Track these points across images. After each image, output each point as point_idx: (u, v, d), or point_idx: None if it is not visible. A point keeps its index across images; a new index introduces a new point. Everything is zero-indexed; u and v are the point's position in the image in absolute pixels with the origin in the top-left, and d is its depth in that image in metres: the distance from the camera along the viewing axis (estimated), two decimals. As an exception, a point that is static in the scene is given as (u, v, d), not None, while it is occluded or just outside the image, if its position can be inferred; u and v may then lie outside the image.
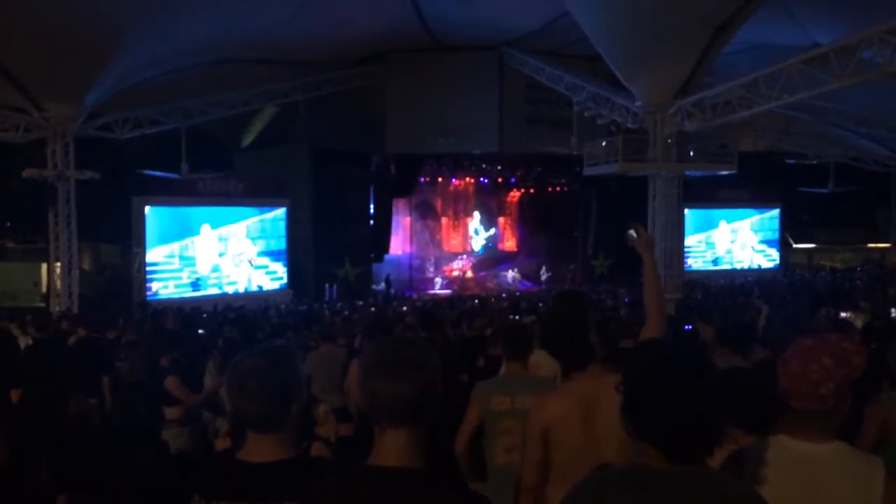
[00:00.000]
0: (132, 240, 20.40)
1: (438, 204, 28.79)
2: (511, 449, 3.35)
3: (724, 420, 1.63)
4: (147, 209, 20.20)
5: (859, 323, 8.49)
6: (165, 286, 20.64)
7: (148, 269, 20.16)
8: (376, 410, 1.63)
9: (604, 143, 16.57)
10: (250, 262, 22.53)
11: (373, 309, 17.89)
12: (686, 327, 8.65)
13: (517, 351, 3.78)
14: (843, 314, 11.24)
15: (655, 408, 1.55)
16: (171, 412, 5.23)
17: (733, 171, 16.69)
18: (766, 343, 6.47)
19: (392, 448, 1.62)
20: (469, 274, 28.28)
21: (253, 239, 22.88)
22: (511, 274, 28.31)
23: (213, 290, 21.64)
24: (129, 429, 5.05)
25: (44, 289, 24.74)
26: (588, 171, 17.43)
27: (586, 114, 17.83)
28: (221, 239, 22.07)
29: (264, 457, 1.84)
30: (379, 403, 1.61)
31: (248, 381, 1.83)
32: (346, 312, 16.12)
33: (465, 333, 7.10)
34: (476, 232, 29.62)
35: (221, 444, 4.41)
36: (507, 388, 3.61)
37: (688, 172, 16.78)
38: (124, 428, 5.11)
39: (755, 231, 29.03)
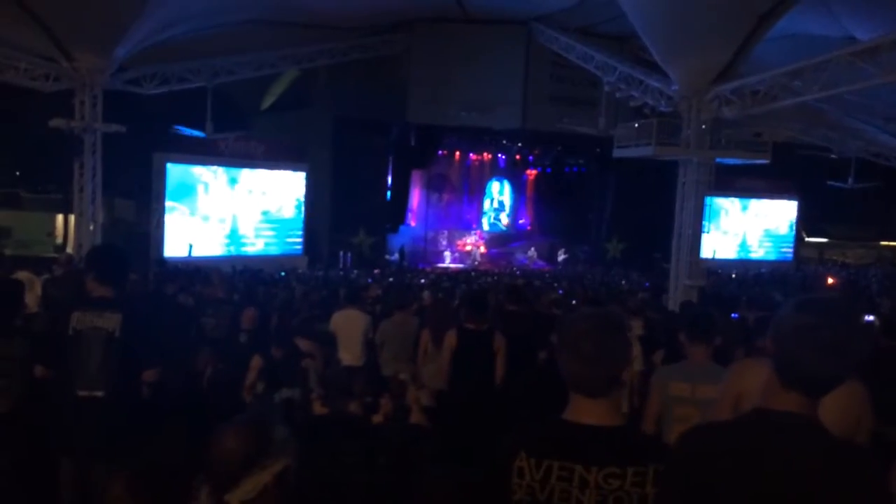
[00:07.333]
0: (152, 196, 20.30)
1: (454, 178, 28.68)
2: None
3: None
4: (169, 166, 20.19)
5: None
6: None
7: (167, 226, 20.17)
8: (794, 376, 1.60)
9: (637, 125, 16.44)
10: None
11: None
12: (733, 315, 8.68)
13: (701, 335, 3.58)
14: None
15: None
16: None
17: (766, 161, 16.64)
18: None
19: (793, 406, 1.60)
20: (482, 250, 28.26)
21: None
22: (530, 253, 28.35)
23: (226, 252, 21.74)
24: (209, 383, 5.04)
25: (59, 239, 24.70)
26: (618, 153, 17.30)
27: (618, 95, 17.68)
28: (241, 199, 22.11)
29: (597, 420, 1.81)
30: (800, 373, 1.59)
31: (585, 343, 1.81)
32: (370, 280, 16.11)
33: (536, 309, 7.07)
34: (491, 209, 29.59)
35: (319, 409, 4.36)
36: (687, 375, 3.47)
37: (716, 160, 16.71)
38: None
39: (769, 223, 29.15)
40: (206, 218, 21.34)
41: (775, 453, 1.54)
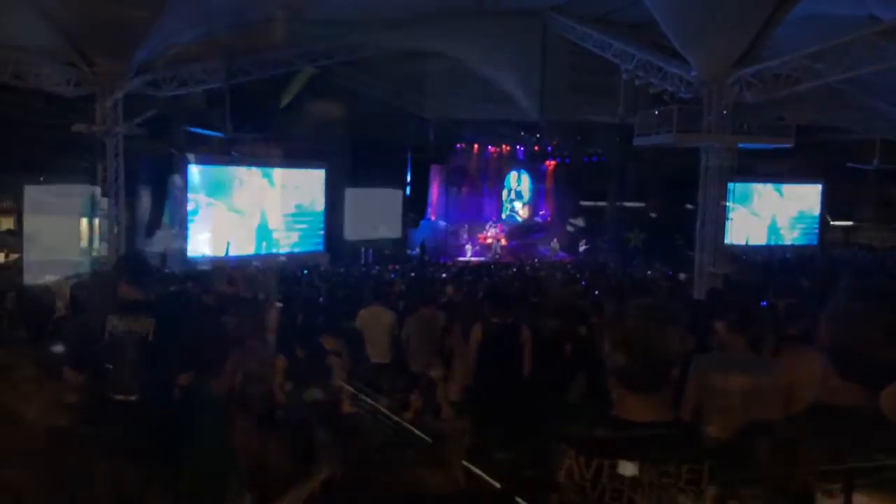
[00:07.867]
0: (174, 197, 20.46)
1: (473, 171, 28.59)
2: (724, 431, 3.07)
3: None
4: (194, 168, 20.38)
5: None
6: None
7: (195, 225, 20.42)
8: (852, 368, 1.57)
9: (656, 113, 16.27)
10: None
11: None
12: (762, 303, 8.56)
13: (743, 325, 3.53)
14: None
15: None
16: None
17: (789, 145, 16.42)
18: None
19: (851, 398, 1.57)
20: (503, 242, 28.18)
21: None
22: (553, 244, 28.21)
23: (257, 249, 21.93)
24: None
25: (83, 243, 24.93)
26: (638, 142, 17.14)
27: (636, 82, 17.51)
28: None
29: (648, 416, 1.77)
30: (859, 363, 1.56)
31: (638, 339, 1.76)
32: (393, 276, 16.13)
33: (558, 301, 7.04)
34: (509, 200, 29.50)
35: (348, 408, 4.36)
36: (727, 365, 3.40)
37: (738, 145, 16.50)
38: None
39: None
40: (241, 213, 21.61)
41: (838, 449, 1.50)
